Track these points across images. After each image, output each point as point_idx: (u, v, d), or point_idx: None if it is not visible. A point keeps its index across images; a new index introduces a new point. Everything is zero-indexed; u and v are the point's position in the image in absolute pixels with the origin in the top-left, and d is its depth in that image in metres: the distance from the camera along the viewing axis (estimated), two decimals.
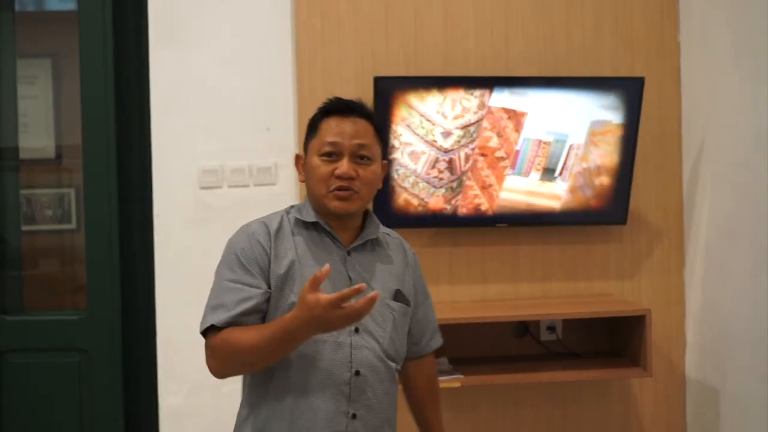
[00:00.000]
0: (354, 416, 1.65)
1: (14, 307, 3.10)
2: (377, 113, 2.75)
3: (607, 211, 2.94)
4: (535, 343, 3.00)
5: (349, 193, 1.68)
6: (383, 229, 1.85)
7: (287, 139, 2.93)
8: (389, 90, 2.79)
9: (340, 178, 1.67)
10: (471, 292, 2.99)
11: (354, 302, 1.46)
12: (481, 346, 2.97)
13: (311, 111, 2.86)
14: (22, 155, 3.18)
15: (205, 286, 2.77)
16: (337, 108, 1.74)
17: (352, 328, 1.67)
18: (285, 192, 2.93)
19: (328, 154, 1.69)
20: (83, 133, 3.02)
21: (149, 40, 2.92)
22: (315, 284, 1.47)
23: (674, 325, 3.07)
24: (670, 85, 3.05)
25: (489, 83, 2.84)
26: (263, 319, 1.66)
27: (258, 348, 1.56)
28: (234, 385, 2.91)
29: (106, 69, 2.99)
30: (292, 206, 1.80)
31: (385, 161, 1.80)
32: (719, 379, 2.84)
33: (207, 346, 1.63)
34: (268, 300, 1.66)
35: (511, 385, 2.98)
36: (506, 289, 3.01)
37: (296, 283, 1.65)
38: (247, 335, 1.57)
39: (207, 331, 1.63)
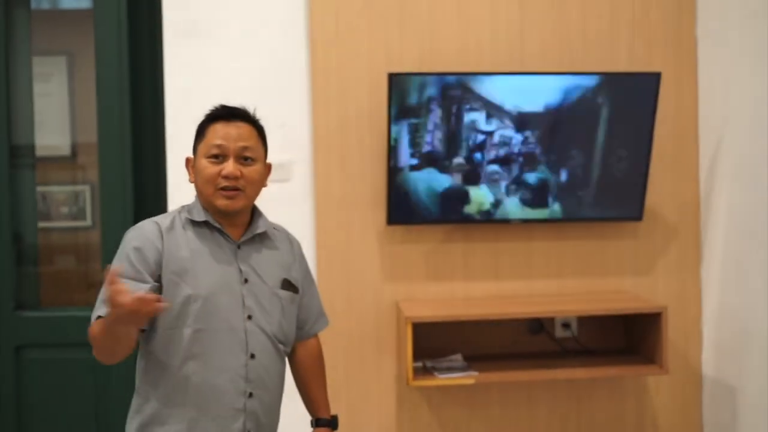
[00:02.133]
0: (251, 395, 1.83)
1: (30, 302, 3.12)
2: (391, 110, 2.76)
3: (623, 207, 2.92)
4: (549, 340, 2.99)
5: (235, 192, 1.83)
6: (270, 223, 1.99)
7: (301, 136, 2.93)
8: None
9: (226, 177, 1.81)
10: (485, 288, 2.98)
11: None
12: (496, 343, 2.96)
13: (326, 107, 2.91)
14: (38, 153, 3.20)
15: None
16: (222, 114, 1.89)
17: (246, 315, 1.83)
18: (299, 188, 2.93)
19: (215, 156, 1.83)
20: (99, 130, 3.03)
21: (164, 37, 2.93)
22: (112, 280, 1.56)
23: (690, 322, 3.05)
24: (687, 81, 3.03)
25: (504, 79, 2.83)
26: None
27: (98, 339, 1.69)
28: None
29: (121, 66, 3.00)
30: (184, 206, 1.91)
31: (269, 162, 1.96)
32: (736, 378, 2.82)
33: (89, 333, 1.74)
34: (157, 294, 1.74)
35: (526, 382, 2.97)
36: (520, 285, 3.00)
37: (190, 276, 1.79)
38: (97, 328, 1.70)
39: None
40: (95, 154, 3.09)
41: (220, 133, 1.84)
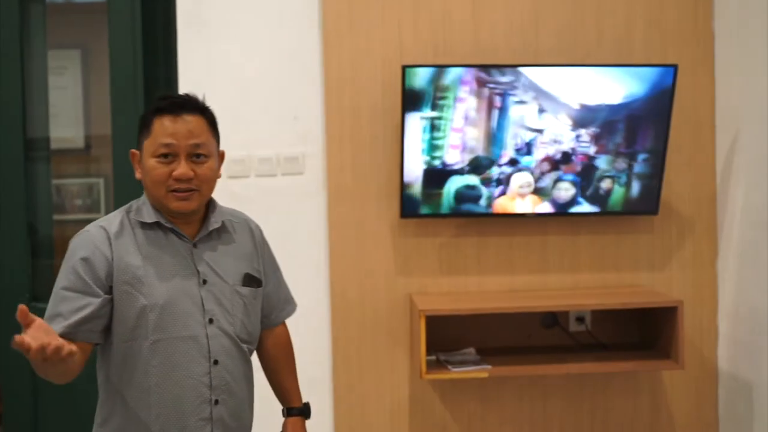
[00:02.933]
0: (216, 402, 1.73)
1: (45, 294, 3.12)
2: (405, 102, 2.75)
3: (639, 200, 2.90)
4: (563, 334, 2.97)
5: (189, 194, 1.70)
6: (227, 212, 1.88)
7: (314, 129, 2.93)
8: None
9: (178, 180, 1.69)
10: (499, 282, 2.97)
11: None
12: (509, 337, 2.95)
13: (339, 100, 2.90)
14: (52, 145, 3.22)
15: None
16: (168, 107, 1.72)
17: (206, 319, 1.73)
18: (312, 181, 2.93)
19: (164, 155, 1.69)
20: (112, 123, 3.04)
21: (177, 30, 2.93)
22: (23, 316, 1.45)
23: (706, 317, 3.02)
24: (703, 73, 2.99)
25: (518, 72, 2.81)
26: (109, 325, 1.68)
27: (36, 367, 1.56)
28: (261, 372, 2.93)
29: (135, 59, 3.01)
30: (131, 205, 1.78)
31: (222, 150, 1.83)
32: (752, 373, 2.80)
33: None
34: (109, 306, 1.67)
35: (539, 377, 2.96)
36: (534, 279, 2.99)
37: (144, 285, 1.68)
38: None
39: None
40: (109, 146, 3.11)
41: (169, 130, 1.68)
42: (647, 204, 2.91)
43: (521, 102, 2.79)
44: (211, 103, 2.95)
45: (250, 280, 1.83)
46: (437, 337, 2.81)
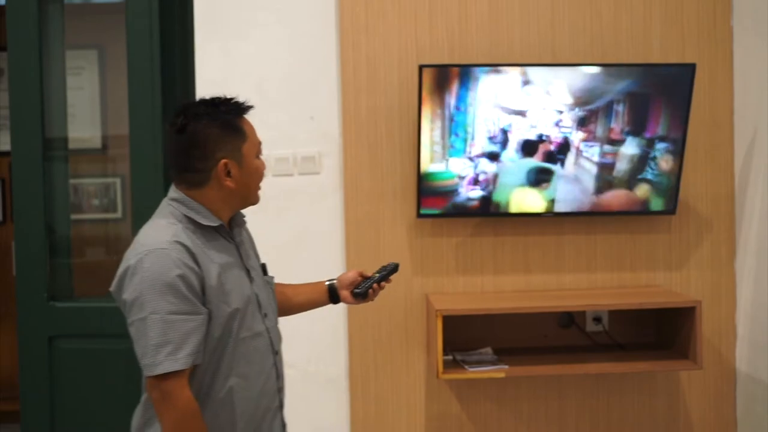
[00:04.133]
0: (280, 389, 1.83)
1: (63, 293, 3.16)
2: (421, 101, 2.75)
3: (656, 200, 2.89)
4: (580, 334, 2.96)
5: None
6: None
7: (331, 128, 2.93)
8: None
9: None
10: (514, 281, 2.97)
11: None
12: (526, 337, 2.94)
13: (355, 100, 2.91)
14: (70, 145, 3.23)
15: None
16: (242, 108, 1.75)
17: (262, 313, 1.77)
18: (329, 181, 2.93)
19: (259, 154, 1.77)
20: (130, 122, 3.05)
21: (194, 30, 2.94)
22: None
23: (724, 317, 3.00)
24: (722, 72, 2.97)
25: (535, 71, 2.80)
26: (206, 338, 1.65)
27: (185, 415, 1.58)
28: None
29: (152, 59, 3.02)
30: (172, 213, 1.69)
31: None
32: None
33: (167, 389, 1.57)
34: (208, 320, 1.65)
35: (556, 377, 2.95)
36: (550, 279, 2.98)
37: (227, 292, 1.67)
38: (185, 400, 1.58)
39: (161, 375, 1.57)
40: (126, 146, 3.12)
41: (253, 129, 1.76)
42: (665, 203, 2.89)
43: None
44: None
45: (264, 269, 1.89)
46: (454, 336, 2.81)
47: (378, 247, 2.91)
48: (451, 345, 2.81)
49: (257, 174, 1.75)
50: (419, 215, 2.85)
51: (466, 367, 2.70)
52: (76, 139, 3.30)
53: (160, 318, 1.56)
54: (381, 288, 2.00)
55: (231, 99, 1.73)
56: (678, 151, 2.84)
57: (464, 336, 2.88)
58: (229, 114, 1.70)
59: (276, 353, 1.79)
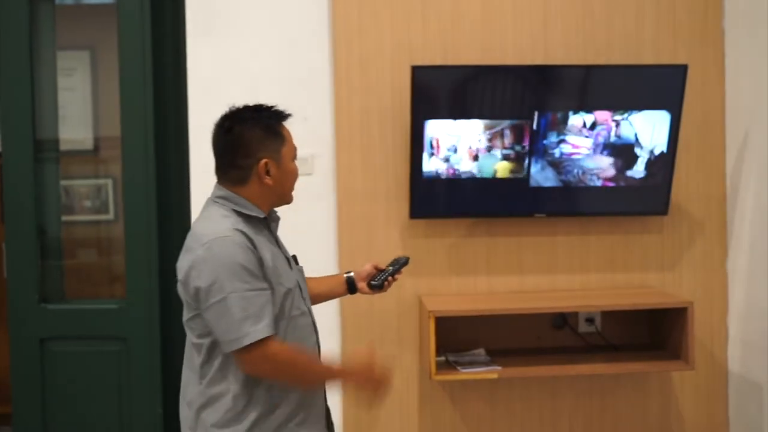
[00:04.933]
0: None
1: (55, 295, 3.14)
2: (414, 103, 2.75)
3: (648, 201, 2.90)
4: (573, 335, 2.97)
5: None
6: None
7: (324, 129, 2.93)
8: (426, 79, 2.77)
9: None
10: (508, 282, 2.97)
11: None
12: (519, 338, 2.94)
13: (348, 100, 2.90)
14: (61, 147, 3.22)
15: None
16: (282, 115, 1.91)
17: (304, 295, 1.93)
18: (322, 182, 2.93)
19: (294, 158, 1.94)
20: (122, 123, 3.04)
21: (186, 30, 2.93)
22: (372, 355, 1.87)
23: (716, 318, 3.01)
24: (713, 73, 2.99)
25: (528, 72, 2.81)
26: None
27: (306, 378, 1.84)
28: None
29: (144, 60, 3.01)
30: (226, 206, 1.85)
31: None
32: (763, 373, 2.79)
33: (259, 355, 1.73)
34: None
35: (549, 378, 2.95)
36: (544, 280, 2.98)
37: (280, 274, 1.84)
38: (303, 364, 1.83)
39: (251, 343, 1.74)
40: (118, 147, 3.11)
41: (290, 134, 1.91)
42: (657, 204, 2.90)
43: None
44: (220, 104, 2.95)
45: (295, 259, 2.02)
46: (446, 337, 2.80)
47: (371, 248, 2.91)
48: (444, 346, 2.80)
49: (293, 175, 1.92)
50: (412, 216, 2.85)
51: (459, 368, 2.70)
52: (68, 141, 3.28)
53: (239, 296, 1.73)
54: (394, 280, 2.17)
55: (273, 107, 1.91)
56: (670, 152, 2.85)
57: (457, 337, 2.87)
58: (270, 119, 1.88)
59: (317, 332, 1.96)
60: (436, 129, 2.79)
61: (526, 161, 2.84)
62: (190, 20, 2.93)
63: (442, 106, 2.81)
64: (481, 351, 2.85)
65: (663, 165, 2.86)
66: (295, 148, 1.92)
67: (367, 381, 1.86)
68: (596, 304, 2.81)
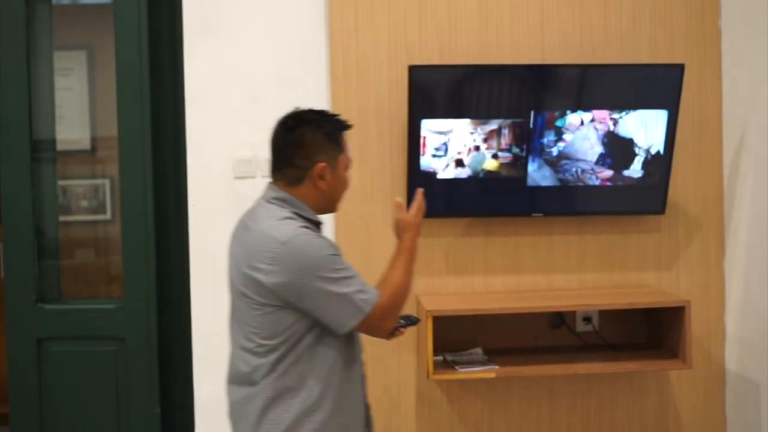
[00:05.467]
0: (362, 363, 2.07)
1: (52, 295, 3.14)
2: (412, 102, 2.75)
3: (646, 200, 2.90)
4: (570, 335, 2.97)
5: None
6: None
7: None
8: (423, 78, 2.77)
9: None
10: (505, 282, 2.97)
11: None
12: (516, 337, 2.95)
13: (345, 100, 2.90)
14: (58, 147, 3.22)
15: None
16: (346, 125, 1.99)
17: None
18: None
19: (348, 169, 2.01)
20: (119, 124, 3.04)
21: (183, 31, 2.93)
22: (403, 207, 2.02)
23: (714, 317, 3.01)
24: (710, 72, 2.99)
25: (525, 71, 2.81)
26: None
27: (409, 280, 1.97)
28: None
29: (141, 60, 3.01)
30: (281, 209, 1.90)
31: None
32: (760, 373, 2.79)
33: (378, 316, 1.88)
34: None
35: (546, 377, 2.95)
36: (541, 279, 2.98)
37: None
38: (398, 280, 1.94)
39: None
40: (115, 147, 3.10)
41: (348, 145, 1.99)
42: (654, 203, 2.90)
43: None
44: (217, 104, 2.98)
45: None
46: (444, 337, 2.81)
47: (368, 248, 2.91)
48: (441, 346, 2.80)
49: (345, 184, 1.99)
50: None
51: (456, 367, 2.70)
52: (65, 141, 3.28)
53: (343, 277, 1.84)
54: (401, 333, 2.17)
55: (337, 115, 2.00)
56: (667, 151, 2.86)
57: (455, 337, 2.88)
58: (333, 126, 1.95)
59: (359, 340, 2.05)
60: (433, 128, 2.79)
61: (523, 160, 2.84)
62: (187, 20, 2.93)
63: (439, 106, 2.82)
64: (479, 350, 2.85)
65: (660, 164, 2.86)
66: (350, 160, 1.99)
67: (419, 225, 2.01)
68: (593, 303, 2.81)
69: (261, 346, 1.84)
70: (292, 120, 1.93)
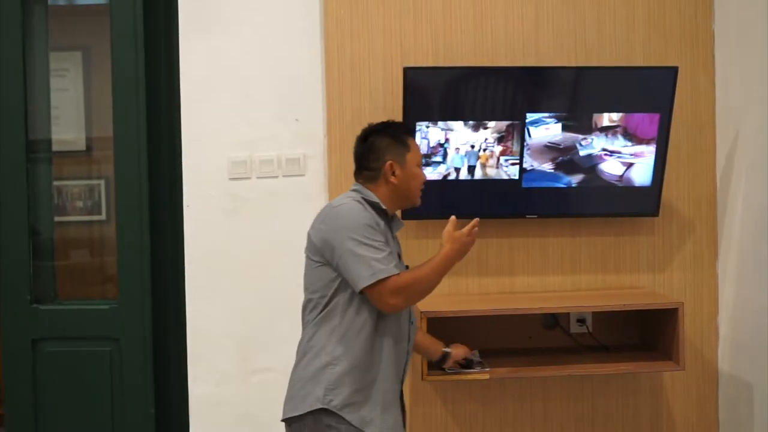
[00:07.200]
0: (408, 352, 2.30)
1: (47, 296, 3.14)
2: (406, 104, 2.76)
3: (639, 202, 2.91)
4: (564, 336, 2.98)
5: None
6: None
7: (316, 130, 2.93)
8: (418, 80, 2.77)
9: (424, 183, 2.27)
10: (499, 283, 2.98)
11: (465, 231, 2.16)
12: (510, 339, 2.95)
13: (340, 101, 2.91)
14: (54, 147, 3.22)
15: (234, 275, 2.79)
16: (410, 130, 2.42)
17: None
18: (313, 183, 2.93)
19: (420, 165, 2.27)
20: (114, 124, 3.05)
21: (179, 32, 2.94)
22: (455, 224, 2.17)
23: (707, 318, 3.03)
24: (703, 75, 3.00)
25: (519, 73, 2.82)
26: None
27: (433, 279, 2.14)
28: (263, 374, 2.93)
29: (136, 61, 3.01)
30: (354, 196, 2.18)
31: None
32: (753, 374, 2.80)
33: (388, 289, 2.06)
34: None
35: (540, 378, 2.96)
36: (535, 281, 2.99)
37: (399, 264, 2.17)
38: (423, 273, 2.12)
39: (380, 280, 2.05)
40: (110, 148, 3.11)
41: (416, 145, 2.27)
42: (648, 205, 2.91)
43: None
44: (213, 105, 2.98)
45: None
46: (438, 338, 2.81)
47: None
48: None
49: (417, 178, 2.24)
50: (403, 217, 2.85)
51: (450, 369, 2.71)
52: (60, 141, 3.28)
53: (370, 244, 2.06)
54: (457, 371, 2.62)
55: (402, 123, 2.46)
56: (661, 153, 2.87)
57: (449, 338, 2.87)
58: (397, 130, 2.26)
59: (412, 323, 2.28)
60: (428, 130, 2.80)
61: (518, 162, 2.85)
62: (182, 21, 2.93)
63: (434, 107, 2.83)
64: (476, 352, 2.85)
65: (654, 166, 2.87)
66: (420, 157, 2.27)
67: (464, 244, 2.16)
68: (587, 305, 2.82)
69: (309, 301, 2.16)
70: (365, 131, 2.27)
